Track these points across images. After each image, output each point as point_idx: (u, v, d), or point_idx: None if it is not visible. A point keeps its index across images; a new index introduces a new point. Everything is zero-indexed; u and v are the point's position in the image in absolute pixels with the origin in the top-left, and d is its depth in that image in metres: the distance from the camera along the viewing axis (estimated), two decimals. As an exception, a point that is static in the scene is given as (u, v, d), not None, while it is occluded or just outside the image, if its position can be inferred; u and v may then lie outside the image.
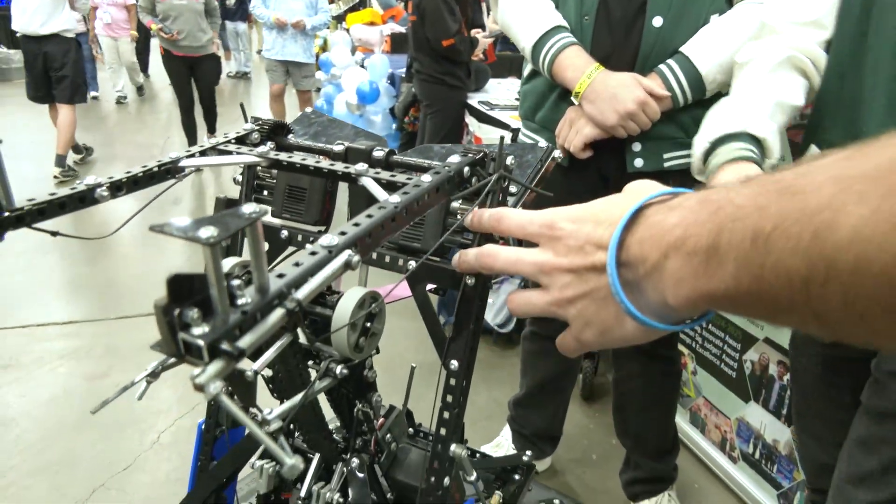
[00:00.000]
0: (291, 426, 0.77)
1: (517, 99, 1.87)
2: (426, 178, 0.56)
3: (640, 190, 0.51)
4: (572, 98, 1.43)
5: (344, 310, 0.57)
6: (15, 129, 7.20)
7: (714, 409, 2.29)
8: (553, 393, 2.07)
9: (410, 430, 0.94)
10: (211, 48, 5.90)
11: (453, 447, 0.64)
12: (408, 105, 4.94)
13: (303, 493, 0.73)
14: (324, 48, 7.71)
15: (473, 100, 3.98)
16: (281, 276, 0.42)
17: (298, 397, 0.55)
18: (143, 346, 2.93)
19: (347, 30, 7.09)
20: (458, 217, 0.63)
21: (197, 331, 0.36)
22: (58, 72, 5.26)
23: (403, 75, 5.08)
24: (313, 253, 0.44)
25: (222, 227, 0.35)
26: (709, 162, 0.97)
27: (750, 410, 2.11)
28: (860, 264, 0.34)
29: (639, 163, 1.50)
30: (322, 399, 0.77)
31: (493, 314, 3.11)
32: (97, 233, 0.66)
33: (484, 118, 3.67)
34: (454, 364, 0.63)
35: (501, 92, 4.36)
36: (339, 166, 0.62)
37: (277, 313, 0.40)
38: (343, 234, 0.47)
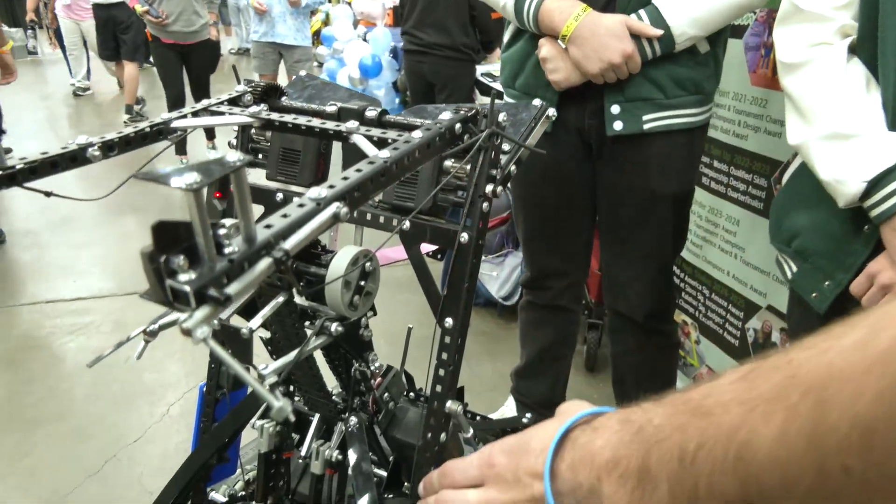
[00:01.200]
0: (291, 388, 0.78)
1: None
2: (417, 134, 0.56)
3: (567, 412, 0.51)
4: (559, 41, 1.40)
5: (337, 266, 0.57)
6: (17, 109, 7.19)
7: (717, 378, 2.30)
8: (552, 361, 2.08)
9: (411, 394, 0.95)
10: (206, 33, 5.15)
11: (449, 403, 0.65)
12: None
13: (304, 452, 0.74)
14: (325, 22, 7.63)
15: (476, 72, 3.94)
16: (268, 226, 0.42)
17: (294, 353, 0.56)
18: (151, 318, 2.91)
19: (349, 3, 7.00)
20: (451, 175, 0.63)
21: (183, 277, 0.36)
22: (123, 33, 6.52)
23: (412, 50, 4.99)
24: (301, 205, 0.44)
25: (205, 173, 0.36)
26: (879, 204, 0.97)
27: (753, 378, 2.12)
28: (787, 483, 0.35)
29: (618, 125, 1.48)
30: (322, 363, 0.78)
31: (497, 286, 3.12)
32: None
33: (486, 90, 3.64)
34: (449, 322, 0.64)
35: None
36: (330, 125, 0.62)
37: (265, 262, 0.40)
38: (332, 187, 0.47)
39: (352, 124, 0.61)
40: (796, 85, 1.09)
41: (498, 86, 3.53)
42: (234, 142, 0.77)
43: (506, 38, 1.64)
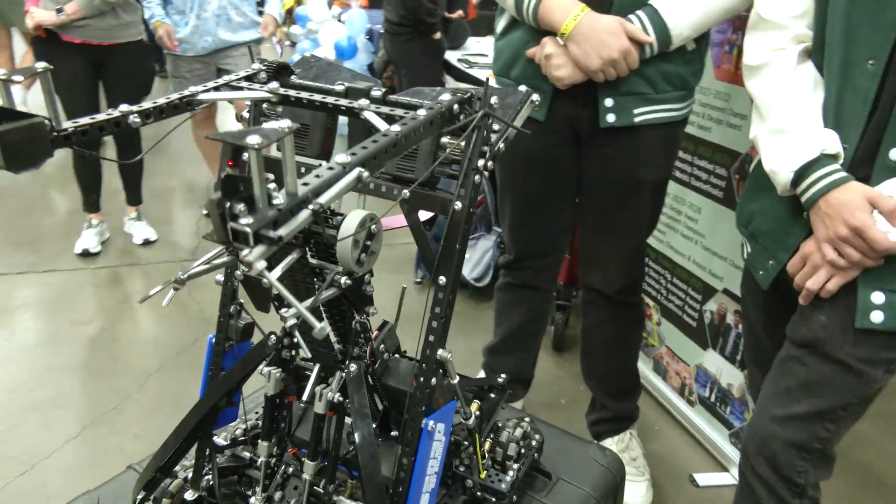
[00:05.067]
0: (294, 340, 0.86)
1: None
2: (422, 112, 0.64)
3: None
4: (558, 38, 1.48)
5: (348, 226, 0.65)
6: None
7: (675, 357, 2.44)
8: (525, 339, 2.19)
9: (397, 355, 1.05)
10: (137, 32, 3.15)
11: (440, 351, 0.74)
12: (387, 61, 4.92)
13: (305, 396, 0.83)
14: (299, 1, 7.58)
15: (452, 57, 4.01)
16: (306, 184, 0.50)
17: (308, 301, 0.64)
18: (127, 295, 2.99)
19: (324, -17, 6.97)
20: (448, 151, 0.72)
21: (244, 221, 0.44)
22: None
23: (382, 30, 5.03)
24: (331, 168, 0.53)
25: (265, 136, 0.44)
26: (806, 190, 1.09)
27: (708, 357, 2.26)
28: None
29: (611, 118, 1.58)
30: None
31: (469, 268, 3.22)
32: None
33: (462, 77, 3.71)
34: (442, 280, 0.73)
35: (480, 50, 4.39)
36: (344, 102, 0.70)
37: (305, 213, 0.48)
38: (353, 154, 0.55)
39: (363, 102, 0.69)
40: (755, 85, 1.22)
41: (474, 72, 3.62)
42: (246, 115, 0.84)
43: (500, 26, 1.71)
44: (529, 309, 2.12)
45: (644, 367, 2.60)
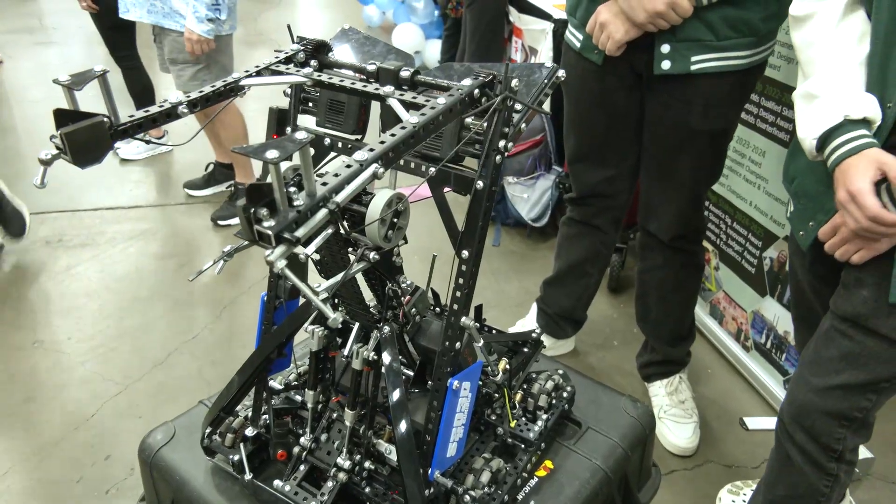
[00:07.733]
0: (336, 301, 0.94)
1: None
2: (441, 100, 0.68)
3: None
4: None
5: (375, 207, 0.71)
6: (59, 13, 7.27)
7: (732, 303, 2.42)
8: (580, 276, 2.21)
9: (437, 309, 1.11)
10: None
11: (463, 319, 0.80)
12: (451, -8, 4.79)
13: (346, 352, 0.91)
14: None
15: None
16: (324, 183, 0.55)
17: (340, 275, 0.71)
18: (202, 230, 3.16)
19: None
20: (471, 133, 0.75)
21: (267, 224, 0.50)
22: None
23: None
24: (348, 166, 0.58)
25: (282, 149, 0.49)
26: (828, 157, 1.06)
27: (766, 304, 2.23)
28: None
29: (666, 65, 1.54)
30: (362, 282, 0.93)
31: (527, 208, 3.23)
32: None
33: (525, 7, 3.59)
34: (465, 253, 0.78)
35: (547, -22, 4.19)
36: (371, 88, 0.74)
37: (322, 212, 0.54)
38: (371, 150, 0.60)
39: (388, 88, 0.73)
40: (799, 38, 1.16)
41: (537, 2, 3.49)
42: (289, 91, 0.89)
43: None
44: (587, 246, 2.14)
45: (700, 311, 2.59)
